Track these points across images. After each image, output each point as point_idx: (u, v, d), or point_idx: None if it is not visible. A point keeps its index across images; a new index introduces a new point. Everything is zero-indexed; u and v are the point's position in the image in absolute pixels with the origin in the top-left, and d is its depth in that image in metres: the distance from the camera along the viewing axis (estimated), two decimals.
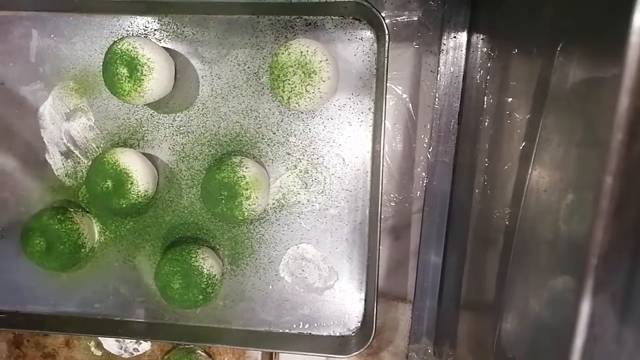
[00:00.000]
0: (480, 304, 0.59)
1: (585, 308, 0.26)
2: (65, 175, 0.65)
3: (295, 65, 0.55)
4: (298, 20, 0.61)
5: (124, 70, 0.57)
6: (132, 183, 0.59)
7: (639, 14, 0.26)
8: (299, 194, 0.63)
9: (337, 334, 0.64)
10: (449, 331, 0.63)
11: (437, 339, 0.65)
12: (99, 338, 0.69)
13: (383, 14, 0.57)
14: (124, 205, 0.60)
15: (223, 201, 0.58)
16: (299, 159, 0.62)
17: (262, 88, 0.62)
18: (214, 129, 0.63)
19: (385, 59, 0.56)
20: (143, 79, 0.57)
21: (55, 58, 0.64)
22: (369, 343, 0.60)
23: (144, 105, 0.63)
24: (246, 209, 0.58)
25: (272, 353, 0.69)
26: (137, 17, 0.62)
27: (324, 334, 0.65)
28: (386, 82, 0.57)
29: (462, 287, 0.62)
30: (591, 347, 0.26)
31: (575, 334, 0.26)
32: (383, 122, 0.57)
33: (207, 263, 0.60)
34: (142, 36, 0.62)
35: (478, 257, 0.59)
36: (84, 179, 0.64)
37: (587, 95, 0.40)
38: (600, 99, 0.36)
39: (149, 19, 0.62)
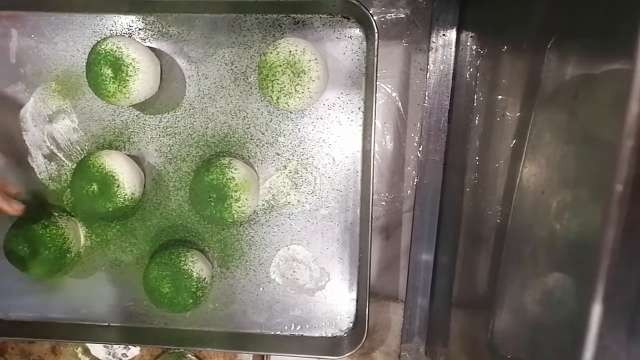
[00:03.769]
0: (473, 302, 0.59)
1: (594, 319, 0.25)
2: (49, 179, 0.64)
3: (284, 64, 0.55)
4: (286, 18, 0.60)
5: (108, 71, 0.56)
6: (118, 186, 0.58)
7: None
8: (289, 194, 0.62)
9: (329, 335, 0.64)
10: (441, 329, 0.63)
11: (429, 337, 0.65)
12: (87, 344, 0.68)
13: (371, 11, 0.56)
14: (110, 209, 0.58)
15: (212, 203, 0.57)
16: (288, 159, 0.62)
17: (250, 88, 0.61)
18: (201, 130, 0.62)
19: (375, 58, 0.56)
20: (128, 80, 0.56)
21: (36, 59, 0.62)
22: (361, 343, 0.60)
23: (130, 106, 0.61)
24: (236, 211, 0.57)
25: (263, 355, 0.68)
26: (121, 16, 0.61)
27: (316, 335, 0.64)
28: (376, 81, 0.57)
29: (453, 286, 0.62)
30: (600, 357, 0.26)
31: (585, 346, 0.26)
32: (373, 121, 0.57)
33: (197, 266, 0.59)
34: (127, 36, 0.61)
35: (470, 255, 0.59)
36: (68, 182, 0.63)
37: (580, 92, 0.40)
38: (596, 96, 0.35)
39: (133, 18, 0.61)
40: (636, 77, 0.25)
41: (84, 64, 0.58)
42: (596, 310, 0.26)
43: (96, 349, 0.68)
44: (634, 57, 0.25)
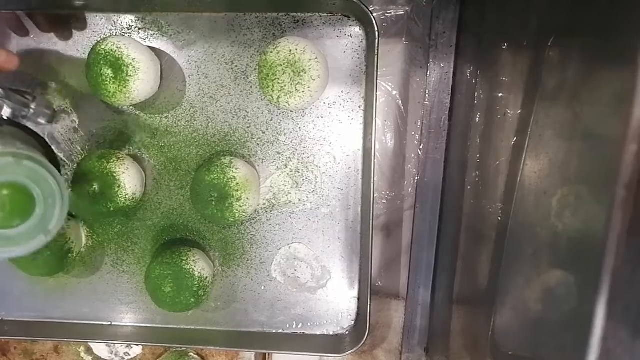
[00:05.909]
0: (474, 300, 0.59)
1: (599, 322, 0.25)
2: None
3: (284, 64, 0.54)
4: (285, 17, 0.60)
5: (108, 71, 0.55)
6: (119, 186, 0.58)
7: None
8: (290, 193, 0.62)
9: (331, 333, 0.64)
10: (443, 327, 0.63)
11: (431, 334, 0.65)
12: (89, 343, 0.68)
13: (371, 9, 0.56)
14: (111, 209, 0.58)
15: (213, 203, 0.57)
16: (289, 158, 0.62)
17: (251, 87, 0.61)
18: (202, 129, 0.62)
19: (375, 56, 0.56)
20: (128, 80, 0.55)
21: (36, 59, 0.62)
22: (363, 341, 0.60)
23: (130, 106, 0.61)
24: (237, 210, 0.57)
25: (265, 354, 0.68)
26: (121, 15, 0.61)
27: (318, 333, 0.64)
28: (376, 79, 0.57)
29: (455, 283, 0.62)
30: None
31: (589, 348, 0.26)
32: (374, 119, 0.57)
33: (198, 265, 0.59)
34: (126, 35, 0.61)
35: (471, 252, 0.59)
36: (69, 182, 0.63)
37: (581, 90, 0.40)
38: (597, 95, 0.35)
39: (133, 17, 0.61)
40: (639, 80, 0.25)
41: (84, 64, 0.58)
42: (600, 313, 0.26)
43: (98, 347, 0.69)
44: (636, 59, 0.25)
